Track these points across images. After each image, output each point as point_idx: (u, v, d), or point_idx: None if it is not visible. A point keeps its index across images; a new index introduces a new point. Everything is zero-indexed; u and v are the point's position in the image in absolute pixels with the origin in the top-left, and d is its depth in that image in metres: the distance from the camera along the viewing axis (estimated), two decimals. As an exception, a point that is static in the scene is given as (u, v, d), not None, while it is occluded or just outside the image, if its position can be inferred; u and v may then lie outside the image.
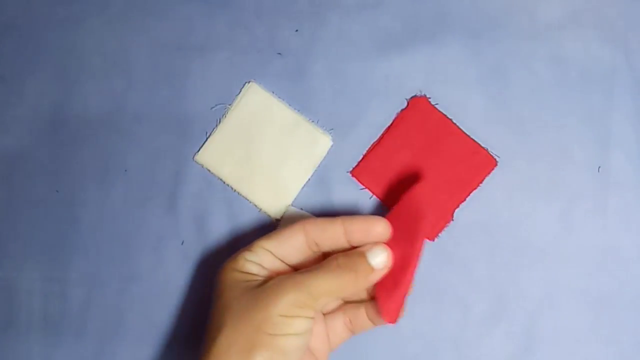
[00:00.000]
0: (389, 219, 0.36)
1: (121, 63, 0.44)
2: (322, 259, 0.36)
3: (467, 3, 0.44)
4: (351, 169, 0.43)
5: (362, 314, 0.37)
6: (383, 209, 0.42)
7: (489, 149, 0.42)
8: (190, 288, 0.42)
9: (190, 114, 0.44)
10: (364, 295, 0.38)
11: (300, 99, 0.43)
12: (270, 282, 0.34)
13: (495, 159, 0.42)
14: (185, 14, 0.45)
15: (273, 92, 0.43)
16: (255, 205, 0.43)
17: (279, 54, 0.44)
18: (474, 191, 0.42)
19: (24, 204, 0.44)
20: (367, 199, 0.42)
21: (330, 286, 0.34)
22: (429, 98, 0.43)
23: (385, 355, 0.41)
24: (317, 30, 0.44)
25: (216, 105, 0.44)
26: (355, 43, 0.44)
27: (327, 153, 0.43)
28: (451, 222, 0.42)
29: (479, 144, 0.42)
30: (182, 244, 0.43)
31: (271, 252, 0.36)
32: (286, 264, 0.36)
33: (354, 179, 0.43)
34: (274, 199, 0.42)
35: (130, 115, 0.44)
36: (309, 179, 0.43)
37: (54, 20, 0.45)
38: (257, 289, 0.34)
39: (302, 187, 0.43)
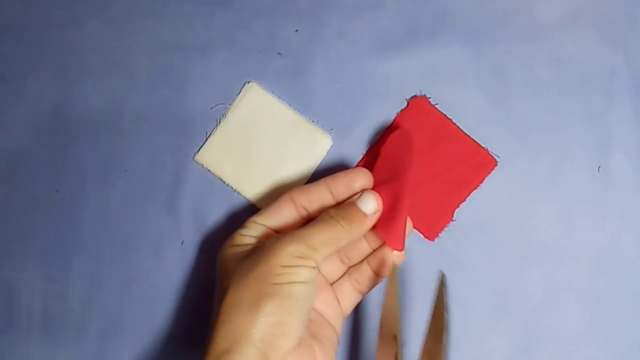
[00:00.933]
0: (376, 167, 0.38)
1: (121, 63, 0.44)
2: None
3: (467, 3, 0.44)
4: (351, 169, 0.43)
5: (366, 271, 0.38)
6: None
7: (489, 149, 0.42)
8: (190, 288, 0.42)
9: (190, 114, 0.44)
10: (364, 249, 0.39)
11: (300, 99, 0.43)
12: (268, 241, 0.34)
13: (495, 159, 0.42)
14: (186, 14, 0.45)
15: (273, 92, 0.43)
16: (255, 205, 0.43)
17: (279, 54, 0.44)
18: (474, 191, 0.42)
19: (24, 204, 0.44)
20: (367, 199, 0.42)
21: (326, 236, 0.34)
22: (429, 98, 0.43)
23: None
24: (317, 31, 0.44)
25: (216, 105, 0.44)
26: (355, 43, 0.44)
27: (327, 153, 0.43)
28: (451, 222, 0.42)
29: (479, 144, 0.42)
30: (182, 244, 0.43)
31: (264, 225, 0.37)
32: (280, 233, 0.37)
33: (354, 179, 0.43)
34: (274, 199, 0.42)
35: (130, 115, 0.44)
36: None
37: (54, 21, 0.45)
38: (257, 250, 0.35)
39: (302, 187, 0.43)
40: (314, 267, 0.34)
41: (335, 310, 0.38)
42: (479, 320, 0.41)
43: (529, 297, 0.41)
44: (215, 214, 0.43)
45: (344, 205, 0.36)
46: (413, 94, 0.43)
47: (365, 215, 0.36)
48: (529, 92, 0.43)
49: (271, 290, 0.32)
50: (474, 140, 0.42)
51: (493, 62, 0.43)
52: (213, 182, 0.43)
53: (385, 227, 0.37)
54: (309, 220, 0.37)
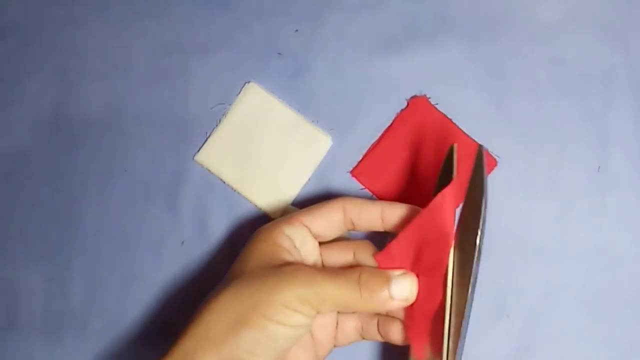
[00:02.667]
0: (411, 229, 0.33)
1: (121, 63, 0.44)
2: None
3: (466, 4, 0.44)
4: (351, 169, 0.43)
5: (374, 325, 0.37)
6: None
7: (489, 149, 0.42)
8: (190, 288, 0.42)
9: (190, 114, 0.44)
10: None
11: (300, 99, 0.43)
12: (287, 267, 0.33)
13: (495, 159, 0.42)
14: (186, 14, 0.45)
15: (273, 92, 0.43)
16: (255, 205, 0.43)
17: (279, 54, 0.44)
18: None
19: (24, 203, 0.44)
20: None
21: (340, 296, 0.32)
22: (429, 98, 0.43)
23: (385, 355, 0.41)
24: (317, 31, 0.44)
25: (216, 105, 0.44)
26: (355, 43, 0.44)
27: (327, 153, 0.43)
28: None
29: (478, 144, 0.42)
30: (182, 244, 0.43)
31: (308, 228, 0.36)
32: (319, 240, 0.36)
33: (354, 179, 0.43)
34: (274, 199, 0.42)
35: (130, 116, 0.44)
36: (309, 179, 0.43)
37: (54, 21, 0.45)
38: (273, 269, 0.33)
39: (302, 187, 0.43)
40: (310, 317, 0.32)
41: (328, 339, 0.37)
42: (478, 319, 0.41)
43: (528, 297, 0.41)
44: (215, 214, 0.43)
45: (377, 276, 0.33)
46: (413, 94, 0.43)
47: (392, 298, 0.33)
48: (528, 92, 0.43)
49: (258, 322, 0.31)
50: (473, 140, 0.42)
51: (493, 62, 0.43)
52: (213, 182, 0.43)
53: (413, 323, 0.34)
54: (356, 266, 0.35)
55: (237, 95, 0.44)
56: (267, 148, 0.43)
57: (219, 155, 0.43)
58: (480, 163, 0.33)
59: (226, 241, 0.42)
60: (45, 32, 0.45)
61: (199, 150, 0.43)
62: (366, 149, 0.43)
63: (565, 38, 0.43)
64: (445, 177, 0.34)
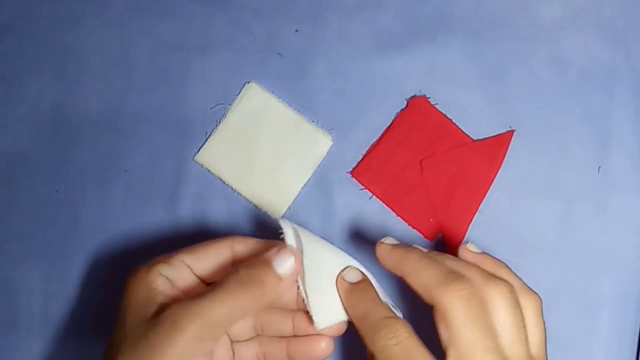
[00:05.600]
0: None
1: (121, 63, 0.44)
2: None
3: (467, 3, 0.44)
4: (351, 169, 0.43)
5: (281, 350, 0.34)
6: (383, 210, 0.42)
7: (489, 149, 0.42)
8: (190, 288, 0.42)
9: (190, 114, 0.44)
10: (286, 328, 0.34)
11: (300, 99, 0.43)
12: (164, 315, 0.29)
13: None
14: (185, 14, 0.45)
15: (273, 92, 0.43)
16: (255, 205, 0.43)
17: (279, 54, 0.44)
18: (474, 191, 0.42)
19: (24, 203, 0.43)
20: (367, 199, 0.42)
21: (230, 310, 0.29)
22: (429, 98, 0.43)
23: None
24: (317, 31, 0.44)
25: (216, 105, 0.44)
26: (355, 43, 0.44)
27: (327, 153, 0.43)
28: (451, 222, 0.42)
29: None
30: (182, 244, 0.42)
31: (190, 268, 0.32)
32: (203, 280, 0.33)
33: (353, 179, 0.43)
34: (274, 199, 0.42)
35: (130, 115, 0.44)
36: (309, 179, 0.43)
37: (54, 20, 0.45)
38: (152, 323, 0.29)
39: (302, 187, 0.43)
40: (209, 353, 0.30)
41: None
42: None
43: (529, 297, 0.41)
44: (215, 214, 0.43)
45: (256, 263, 0.31)
46: (413, 94, 0.43)
47: (279, 278, 0.31)
48: (528, 92, 0.43)
49: None
50: (473, 140, 0.42)
51: (493, 62, 0.43)
52: (213, 182, 0.43)
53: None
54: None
55: (237, 95, 0.43)
56: (267, 148, 0.43)
57: (219, 155, 0.43)
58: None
59: (226, 241, 0.42)
60: (44, 31, 0.45)
61: (198, 150, 0.43)
62: (366, 149, 0.43)
63: (566, 38, 0.43)
64: None
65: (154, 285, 0.31)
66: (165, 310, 0.29)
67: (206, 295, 0.30)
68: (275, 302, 0.34)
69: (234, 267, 0.32)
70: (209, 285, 0.32)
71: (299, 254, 0.32)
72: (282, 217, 0.42)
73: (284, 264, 0.31)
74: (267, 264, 0.31)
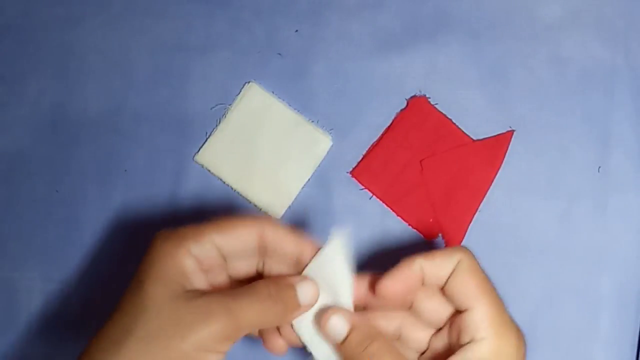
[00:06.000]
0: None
1: (121, 63, 0.44)
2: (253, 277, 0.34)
3: (467, 3, 0.44)
4: (351, 169, 0.43)
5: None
6: (383, 210, 0.42)
7: (489, 149, 0.42)
8: (190, 288, 0.42)
9: (190, 114, 0.44)
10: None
11: (300, 99, 0.43)
12: (199, 302, 0.29)
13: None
14: (185, 14, 0.45)
15: (273, 92, 0.43)
16: (255, 205, 0.43)
17: (279, 54, 0.44)
18: (474, 191, 0.42)
19: (24, 203, 0.43)
20: (367, 199, 0.42)
21: (258, 318, 0.30)
22: (429, 98, 0.43)
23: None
24: (317, 31, 0.44)
25: (216, 105, 0.44)
26: (355, 43, 0.44)
27: (327, 153, 0.43)
28: (451, 222, 0.42)
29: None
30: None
31: (218, 248, 0.32)
32: (226, 260, 0.33)
33: (354, 179, 0.43)
34: (274, 199, 0.42)
35: (130, 115, 0.44)
36: (309, 179, 0.43)
37: (53, 21, 0.45)
38: (184, 304, 0.29)
39: (302, 187, 0.43)
40: (225, 352, 0.30)
41: None
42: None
43: (529, 297, 0.41)
44: (215, 214, 0.43)
45: (281, 285, 0.32)
46: (413, 94, 0.43)
47: (299, 305, 0.32)
48: (528, 92, 0.43)
49: None
50: (473, 140, 0.42)
51: (493, 62, 0.43)
52: (213, 182, 0.43)
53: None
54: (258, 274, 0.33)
55: (237, 95, 0.43)
56: (267, 148, 0.43)
57: (219, 155, 0.43)
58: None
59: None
60: (44, 31, 0.45)
61: (199, 151, 0.43)
62: (366, 149, 0.43)
63: (566, 38, 0.43)
64: None
65: (184, 264, 0.31)
66: (201, 298, 0.29)
67: (242, 297, 0.30)
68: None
69: (265, 278, 0.32)
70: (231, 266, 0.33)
71: (318, 292, 0.32)
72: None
73: (305, 293, 0.32)
74: (291, 288, 0.32)
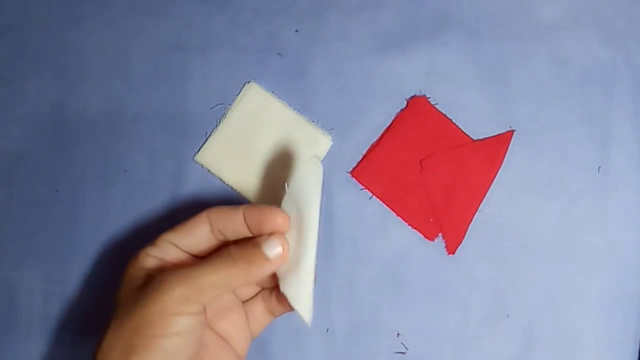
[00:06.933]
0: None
1: (121, 63, 0.44)
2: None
3: (467, 3, 0.44)
4: (351, 169, 0.43)
5: (274, 300, 0.37)
6: (383, 210, 0.42)
7: (489, 149, 0.42)
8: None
9: (190, 114, 0.44)
10: (273, 280, 0.36)
11: (300, 99, 0.43)
12: (154, 280, 0.32)
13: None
14: (185, 14, 0.45)
15: (273, 92, 0.43)
16: (255, 205, 0.42)
17: (279, 54, 0.44)
18: (474, 191, 0.42)
19: (23, 204, 0.43)
20: (367, 199, 0.42)
21: (219, 278, 0.32)
22: (429, 98, 0.43)
23: (385, 355, 0.41)
24: (317, 30, 0.44)
25: (216, 105, 0.44)
26: (355, 43, 0.44)
27: (327, 153, 0.43)
28: (451, 222, 0.42)
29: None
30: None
31: (175, 245, 0.34)
32: (192, 255, 0.35)
33: (354, 179, 0.43)
34: (274, 199, 0.42)
35: (130, 115, 0.44)
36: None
37: (53, 21, 0.45)
38: (141, 289, 0.32)
39: (302, 187, 0.42)
40: (197, 313, 0.31)
41: (243, 332, 0.36)
42: (479, 320, 0.41)
43: (529, 297, 0.41)
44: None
45: (247, 245, 0.33)
46: (413, 94, 0.43)
47: (267, 259, 0.33)
48: (528, 92, 0.43)
49: (144, 344, 0.30)
50: (473, 140, 0.42)
51: (493, 62, 0.43)
52: (213, 182, 0.43)
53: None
54: (225, 245, 0.35)
55: (237, 95, 0.43)
56: (267, 148, 0.43)
57: (219, 155, 0.43)
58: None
59: (226, 241, 0.42)
60: (44, 31, 0.45)
61: (198, 151, 0.43)
62: (366, 149, 0.43)
63: (566, 38, 0.43)
64: None
65: (143, 264, 0.34)
66: (157, 276, 0.32)
67: (196, 264, 0.32)
68: (261, 280, 0.35)
69: (226, 246, 0.34)
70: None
71: (287, 243, 0.34)
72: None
73: (272, 249, 0.33)
74: (257, 245, 0.33)
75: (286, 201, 0.35)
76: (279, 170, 0.43)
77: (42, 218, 0.43)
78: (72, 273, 0.43)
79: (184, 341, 0.31)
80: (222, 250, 0.33)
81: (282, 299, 0.35)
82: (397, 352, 0.41)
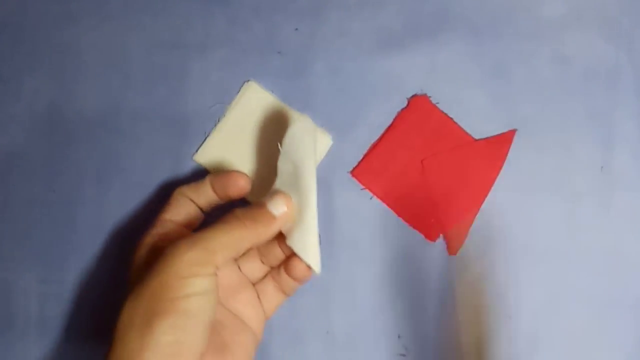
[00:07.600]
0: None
1: (118, 61, 0.44)
2: None
3: (468, 1, 0.43)
4: (351, 169, 0.42)
5: (285, 274, 0.37)
6: (384, 210, 0.42)
7: (491, 149, 0.42)
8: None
9: (188, 113, 0.43)
10: (278, 254, 0.38)
11: (300, 98, 0.43)
12: (165, 249, 0.33)
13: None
14: (184, 12, 0.44)
15: (272, 91, 0.43)
16: (255, 205, 0.42)
17: (279, 52, 0.44)
18: (476, 191, 0.42)
19: (20, 203, 0.43)
20: (367, 199, 0.42)
21: (229, 238, 0.33)
22: (430, 97, 0.43)
23: (386, 358, 0.41)
24: (316, 29, 0.44)
25: (215, 104, 0.43)
26: (356, 41, 0.43)
27: (327, 153, 0.42)
28: (453, 222, 0.42)
29: None
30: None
31: (172, 221, 0.37)
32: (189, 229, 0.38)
33: (354, 179, 0.42)
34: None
35: (127, 115, 0.44)
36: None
37: (50, 19, 0.45)
38: (153, 262, 0.33)
39: (302, 187, 0.42)
40: (212, 275, 0.32)
41: (256, 311, 0.37)
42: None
43: (531, 298, 0.41)
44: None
45: (252, 206, 0.35)
46: (414, 93, 0.43)
47: (273, 217, 0.35)
48: (531, 90, 0.42)
49: (164, 307, 0.30)
50: (475, 139, 0.42)
51: (495, 60, 0.43)
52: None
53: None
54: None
55: (236, 94, 0.43)
56: (267, 148, 0.42)
57: (218, 154, 0.43)
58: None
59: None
60: (40, 29, 0.45)
61: (197, 150, 0.43)
62: (366, 148, 0.43)
63: (569, 36, 0.43)
64: None
65: (151, 243, 0.36)
66: (166, 246, 0.33)
67: (205, 229, 0.33)
68: (269, 239, 0.36)
69: (233, 209, 0.35)
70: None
71: (290, 200, 0.36)
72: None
73: (277, 206, 0.35)
74: (262, 205, 0.35)
75: (281, 159, 0.37)
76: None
77: (39, 218, 0.43)
78: (68, 274, 0.42)
79: (203, 302, 0.31)
80: (228, 214, 0.35)
81: (290, 270, 0.36)
82: (398, 355, 0.41)
